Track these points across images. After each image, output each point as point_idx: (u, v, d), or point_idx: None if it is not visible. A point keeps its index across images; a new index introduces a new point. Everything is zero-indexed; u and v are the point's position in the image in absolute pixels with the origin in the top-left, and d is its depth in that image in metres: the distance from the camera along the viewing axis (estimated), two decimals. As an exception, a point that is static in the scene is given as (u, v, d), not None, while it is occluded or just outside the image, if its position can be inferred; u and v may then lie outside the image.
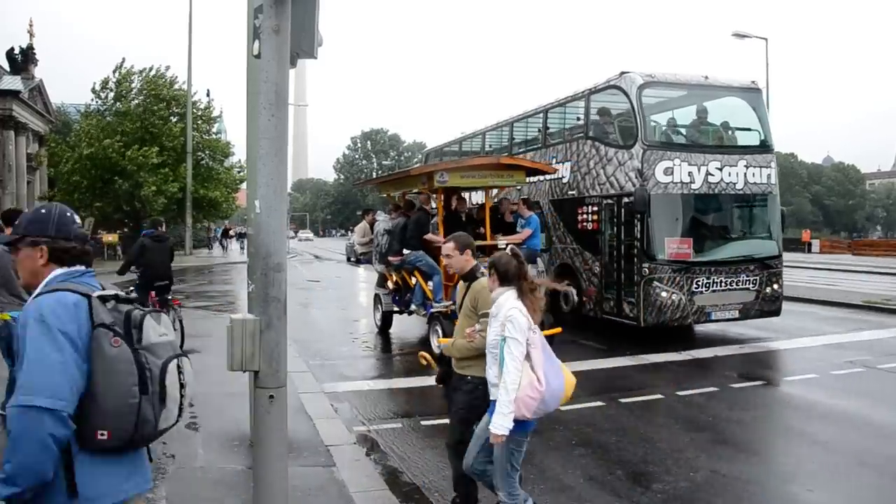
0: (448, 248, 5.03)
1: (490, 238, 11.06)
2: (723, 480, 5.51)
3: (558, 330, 10.15)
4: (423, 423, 7.09)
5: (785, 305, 11.93)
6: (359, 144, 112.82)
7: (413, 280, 11.37)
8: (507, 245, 10.30)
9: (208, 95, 54.81)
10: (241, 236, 46.24)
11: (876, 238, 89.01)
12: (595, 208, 12.51)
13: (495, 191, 12.17)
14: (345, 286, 23.56)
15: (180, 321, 10.11)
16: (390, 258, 11.47)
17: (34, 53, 35.94)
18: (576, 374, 9.04)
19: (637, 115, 11.42)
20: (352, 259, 34.78)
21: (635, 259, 11.30)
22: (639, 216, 11.21)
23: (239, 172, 40.22)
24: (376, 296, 13.05)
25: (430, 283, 10.75)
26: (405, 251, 10.96)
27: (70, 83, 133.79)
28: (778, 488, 5.51)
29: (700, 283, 11.17)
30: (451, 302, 10.03)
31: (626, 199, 11.52)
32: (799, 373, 9.22)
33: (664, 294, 10.99)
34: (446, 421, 7.13)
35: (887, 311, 15.08)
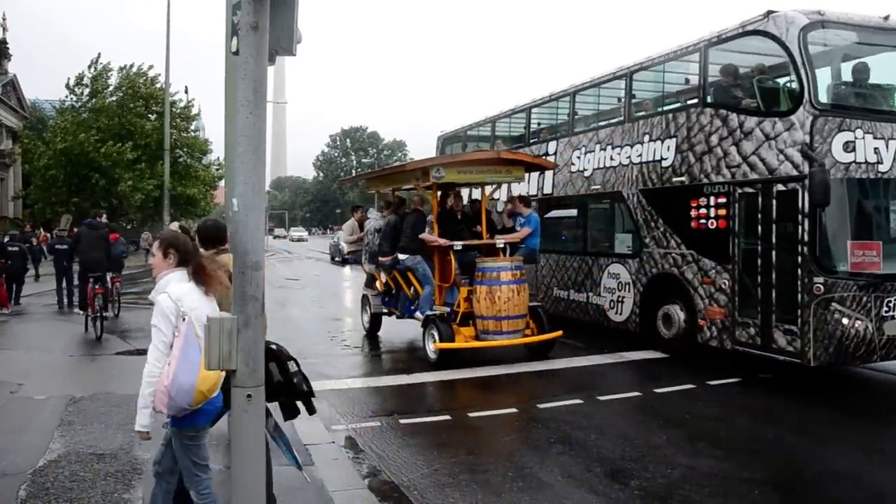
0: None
1: (486, 237, 10.69)
2: (699, 477, 5.56)
3: (558, 333, 10.04)
4: (401, 421, 7.09)
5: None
6: (338, 142, 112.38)
7: (411, 287, 10.67)
8: (504, 244, 10.27)
9: (186, 92, 54.31)
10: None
11: None
12: (720, 200, 9.36)
13: (489, 188, 11.46)
14: (323, 285, 23.48)
15: (118, 295, 13.30)
16: (380, 259, 11.02)
17: (7, 48, 35.51)
18: (554, 371, 9.20)
19: (802, 67, 8.27)
20: (336, 258, 33.64)
21: (799, 270, 8.19)
22: (807, 211, 8.13)
23: (217, 170, 39.93)
24: (364, 297, 12.50)
25: (423, 291, 10.27)
26: (401, 256, 10.36)
27: (45, 79, 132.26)
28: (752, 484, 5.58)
29: (892, 306, 8.11)
30: (447, 309, 9.91)
31: (778, 187, 8.53)
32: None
33: (846, 321, 7.92)
34: (425, 419, 7.20)
35: None
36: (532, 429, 6.96)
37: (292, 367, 4.08)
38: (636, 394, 8.09)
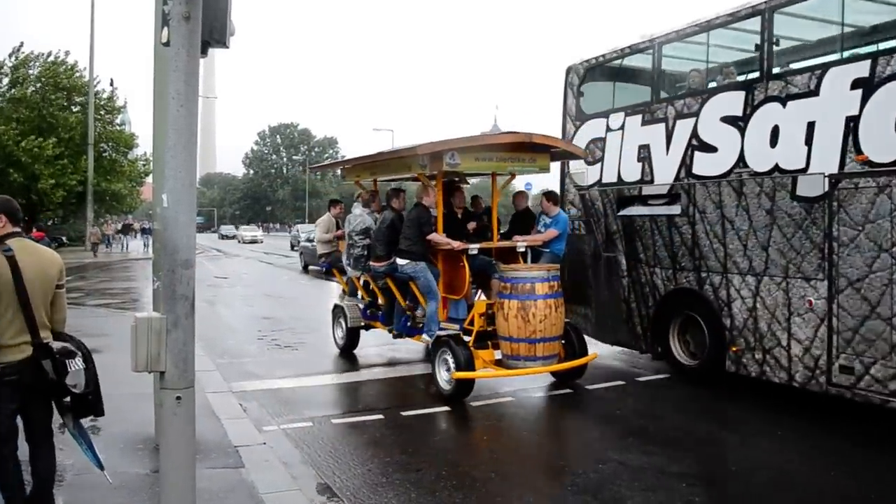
0: None
1: (496, 239, 9.09)
2: (631, 471, 5.66)
3: (593, 356, 8.31)
4: (334, 421, 7.01)
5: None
6: (267, 139, 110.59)
7: (408, 299, 8.88)
8: (526, 248, 8.80)
9: (112, 85, 52.69)
10: (144, 231, 44.84)
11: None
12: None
13: (501, 180, 9.40)
14: (253, 283, 23.08)
15: None
16: (372, 263, 9.00)
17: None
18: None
19: None
20: (316, 266, 21.04)
21: None
22: None
23: (144, 165, 38.84)
24: (337, 308, 10.50)
25: (426, 307, 8.27)
26: (400, 261, 8.29)
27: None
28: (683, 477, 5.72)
29: None
30: (457, 327, 8.18)
31: None
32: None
33: None
34: (357, 418, 7.14)
35: None
36: (466, 427, 6.99)
37: (74, 365, 3.83)
38: (568, 391, 8.19)
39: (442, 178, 8.52)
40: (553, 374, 8.28)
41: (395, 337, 9.34)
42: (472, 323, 8.11)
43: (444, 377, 7.76)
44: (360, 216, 9.52)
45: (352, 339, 10.21)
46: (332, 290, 20.92)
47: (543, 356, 7.61)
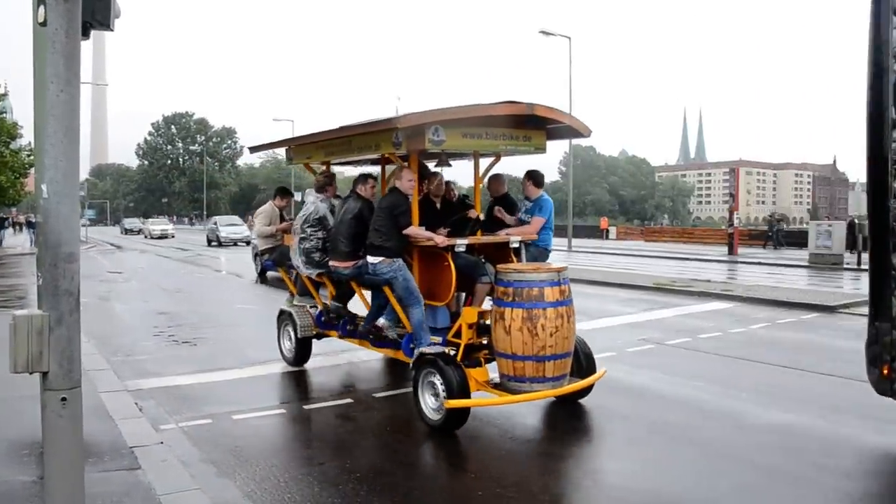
0: None
1: (479, 233, 7.76)
2: (528, 455, 5.76)
3: (602, 373, 7.01)
4: (234, 417, 6.83)
5: (589, 289, 12.64)
6: (162, 129, 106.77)
7: (386, 306, 7.49)
8: (520, 244, 7.30)
9: (-9, 72, 49.66)
10: (30, 225, 42.56)
11: (663, 225, 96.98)
12: None
13: (484, 163, 8.18)
14: (149, 277, 22.27)
15: None
16: (334, 264, 7.50)
17: None
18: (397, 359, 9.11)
19: None
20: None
21: None
22: None
23: (28, 156, 36.79)
24: (284, 314, 8.91)
25: (409, 314, 6.93)
26: (373, 260, 6.90)
27: None
28: (582, 461, 5.85)
29: None
30: (440, 340, 6.94)
31: None
32: (599, 351, 9.82)
33: None
34: (259, 414, 6.98)
35: (673, 292, 16.44)
36: (370, 419, 6.94)
37: None
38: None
39: (417, 159, 7.24)
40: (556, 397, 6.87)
41: (376, 346, 7.81)
42: (457, 335, 6.85)
43: (430, 405, 6.40)
44: (312, 204, 8.03)
45: (303, 350, 8.76)
46: (235, 284, 20.59)
47: (554, 377, 6.22)
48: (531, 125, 7.31)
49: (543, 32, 32.67)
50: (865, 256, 24.56)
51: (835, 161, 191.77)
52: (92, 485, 3.87)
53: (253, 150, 10.04)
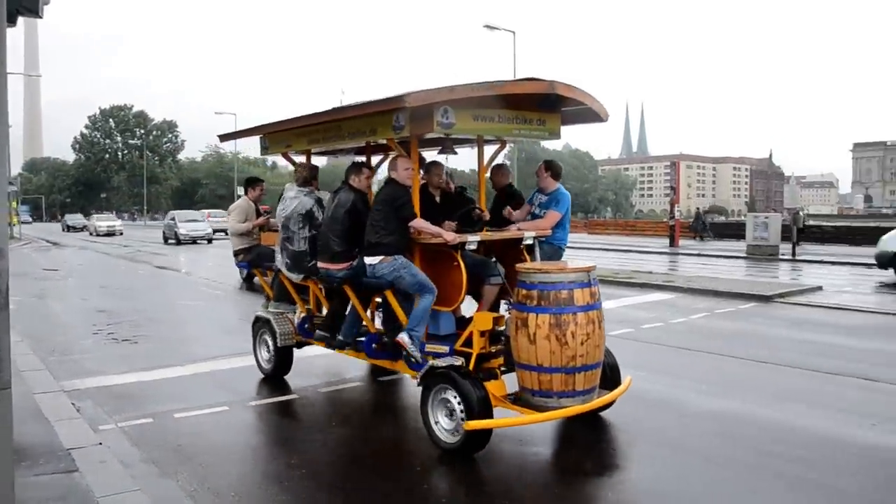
0: None
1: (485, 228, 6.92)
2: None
3: (628, 383, 6.20)
4: (176, 415, 6.70)
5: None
6: (99, 123, 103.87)
7: (380, 309, 7.09)
8: (534, 240, 6.61)
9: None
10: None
11: (607, 218, 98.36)
12: None
13: (489, 151, 7.46)
14: (88, 275, 21.68)
15: None
16: (324, 265, 6.60)
17: None
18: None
19: None
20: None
21: None
22: None
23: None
24: (261, 321, 7.99)
25: (416, 311, 6.04)
26: (371, 260, 6.09)
27: None
28: (515, 448, 5.90)
29: None
30: (447, 349, 6.05)
31: None
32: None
33: None
34: (202, 412, 6.84)
35: (616, 283, 16.69)
36: (316, 414, 6.89)
37: None
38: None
39: (416, 146, 6.49)
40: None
41: (334, 348, 7.12)
42: (467, 343, 5.99)
43: (445, 426, 5.60)
44: (295, 198, 7.15)
45: (283, 361, 7.85)
46: (175, 280, 20.18)
47: (584, 390, 5.49)
48: (546, 107, 6.67)
49: (488, 27, 32.77)
50: (801, 247, 25.42)
51: (771, 155, 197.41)
52: (25, 489, 3.75)
53: (223, 138, 9.13)
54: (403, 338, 5.96)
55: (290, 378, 7.92)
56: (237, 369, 8.59)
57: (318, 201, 7.14)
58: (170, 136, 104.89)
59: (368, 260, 6.12)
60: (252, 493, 4.96)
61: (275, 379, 7.90)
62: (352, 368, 8.21)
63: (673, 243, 30.96)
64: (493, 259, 6.52)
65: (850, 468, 5.31)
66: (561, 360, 5.34)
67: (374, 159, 8.24)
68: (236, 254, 8.58)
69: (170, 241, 38.46)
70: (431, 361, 5.75)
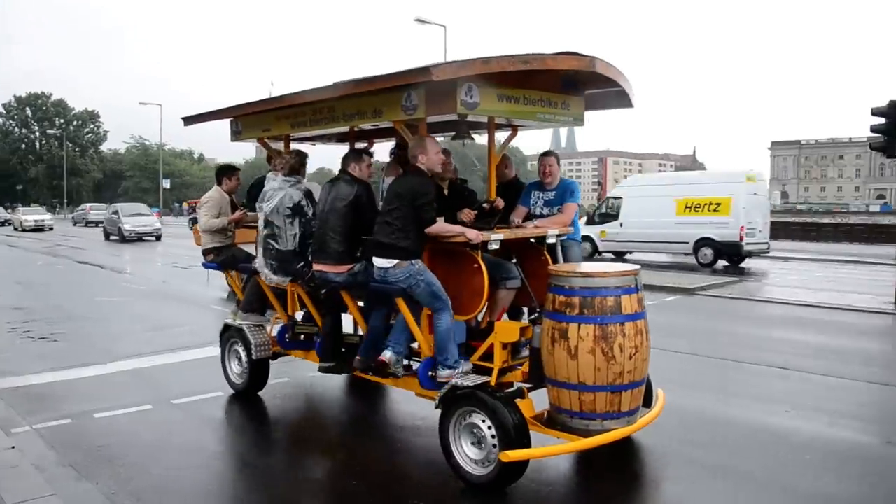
0: None
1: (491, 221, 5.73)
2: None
3: (663, 398, 5.60)
4: (96, 416, 6.51)
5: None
6: (14, 111, 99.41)
7: (381, 319, 5.81)
8: (557, 239, 5.92)
9: None
10: None
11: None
12: None
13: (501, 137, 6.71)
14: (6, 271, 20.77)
15: None
16: (321, 268, 5.70)
17: None
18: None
19: None
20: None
21: None
22: None
23: None
24: (232, 330, 7.15)
25: (435, 325, 5.23)
26: (382, 263, 5.19)
27: None
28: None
29: None
30: (468, 366, 5.32)
31: None
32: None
33: None
34: (123, 411, 6.63)
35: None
36: (247, 411, 6.77)
37: None
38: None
39: (426, 131, 5.59)
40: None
41: (323, 370, 6.15)
42: (484, 356, 5.35)
43: (471, 455, 4.89)
44: (280, 189, 6.27)
45: (257, 375, 7.01)
46: (93, 275, 19.51)
47: (629, 410, 4.84)
48: (570, 90, 6.03)
49: (419, 20, 32.61)
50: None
51: (694, 151, 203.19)
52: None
53: (188, 120, 7.66)
54: (388, 356, 5.39)
55: (218, 375, 7.75)
56: (162, 367, 8.39)
57: (308, 193, 6.33)
58: (92, 126, 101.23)
59: (379, 262, 5.22)
60: (174, 495, 4.84)
61: (247, 395, 7.11)
62: (283, 366, 8.07)
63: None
64: (514, 260, 5.78)
65: (763, 453, 5.52)
66: (607, 378, 4.66)
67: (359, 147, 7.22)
68: (206, 253, 7.47)
69: (112, 237, 34.74)
70: (453, 380, 5.00)
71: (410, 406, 6.56)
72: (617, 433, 4.75)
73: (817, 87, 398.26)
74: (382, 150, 7.82)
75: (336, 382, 7.56)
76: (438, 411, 5.05)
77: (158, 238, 33.85)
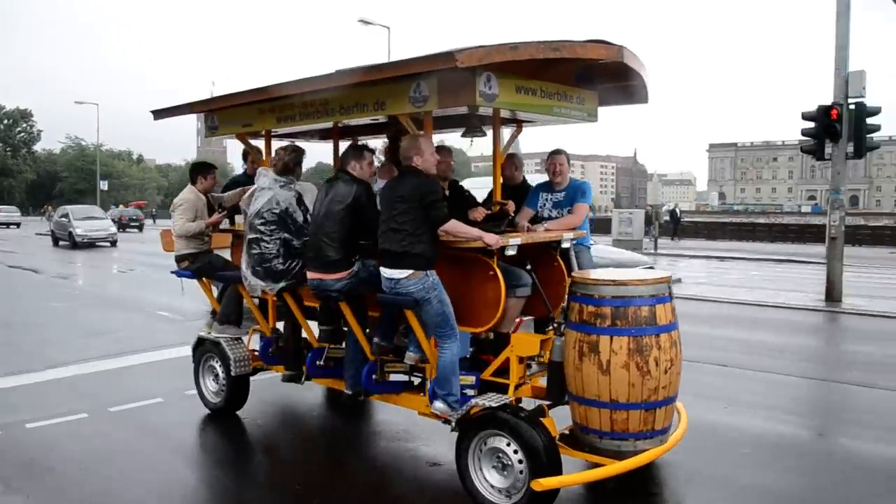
0: None
1: (505, 225, 5.33)
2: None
3: (686, 419, 5.14)
4: (28, 426, 6.30)
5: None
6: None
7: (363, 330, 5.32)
8: (571, 243, 5.54)
9: None
10: None
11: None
12: None
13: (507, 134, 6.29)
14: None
15: None
16: (315, 275, 5.11)
17: None
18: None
19: None
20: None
21: None
22: None
23: None
24: (206, 344, 6.57)
25: (439, 351, 4.73)
26: (393, 274, 4.68)
27: None
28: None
29: None
30: (472, 380, 4.89)
31: None
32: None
33: None
34: (57, 421, 6.36)
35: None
36: (184, 417, 6.60)
37: None
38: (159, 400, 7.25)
39: (430, 126, 5.09)
40: None
41: (354, 395, 5.40)
42: (499, 373, 4.94)
43: (496, 483, 4.45)
44: (268, 190, 5.60)
45: (237, 392, 6.41)
46: (36, 279, 18.86)
47: (662, 429, 4.51)
48: (584, 83, 5.60)
49: (363, 21, 32.46)
50: (661, 241, 26.73)
51: (635, 154, 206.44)
52: None
53: (158, 114, 6.83)
54: (438, 406, 4.71)
55: (157, 380, 7.58)
56: (99, 374, 8.17)
57: (299, 199, 5.64)
58: (24, 125, 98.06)
59: (391, 273, 4.71)
60: (110, 505, 4.72)
61: (224, 414, 6.49)
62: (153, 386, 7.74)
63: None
64: (528, 266, 5.14)
65: (702, 448, 5.63)
66: (641, 394, 4.32)
67: (342, 144, 6.79)
68: (179, 260, 6.68)
69: (62, 242, 32.13)
70: (473, 400, 4.58)
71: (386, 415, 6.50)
72: (651, 454, 4.41)
73: (753, 91, 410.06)
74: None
75: (287, 387, 7.45)
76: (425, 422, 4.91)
77: (114, 244, 31.59)
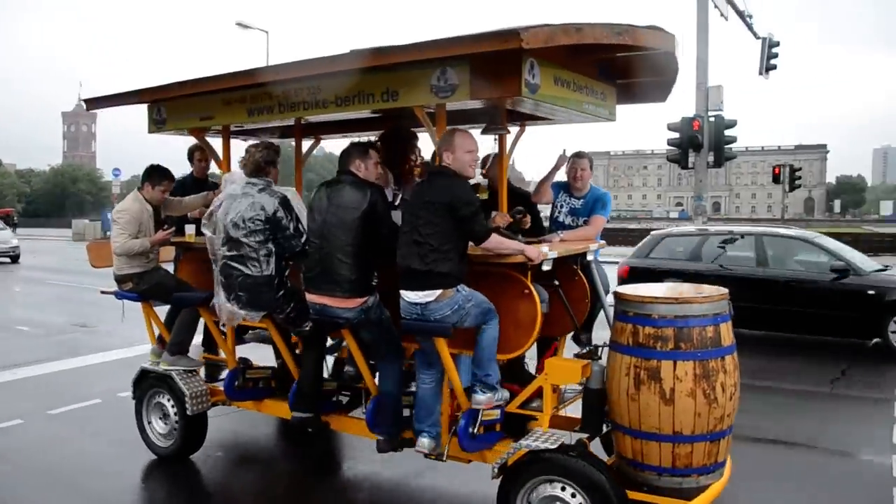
0: None
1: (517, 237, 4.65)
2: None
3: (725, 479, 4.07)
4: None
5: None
6: None
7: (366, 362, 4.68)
8: (595, 256, 4.97)
9: None
10: None
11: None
12: None
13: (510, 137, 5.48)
14: None
15: None
16: (321, 300, 4.34)
17: None
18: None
19: None
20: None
21: None
22: None
23: None
24: (153, 378, 5.60)
25: (482, 347, 4.14)
26: (418, 297, 3.99)
27: None
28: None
29: None
30: (496, 411, 4.24)
31: None
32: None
33: None
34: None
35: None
36: (116, 419, 6.32)
37: None
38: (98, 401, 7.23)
39: (444, 121, 4.31)
40: None
41: (298, 422, 4.80)
42: (529, 403, 4.42)
43: None
44: (245, 196, 4.73)
45: (193, 433, 5.49)
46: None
47: (722, 462, 3.98)
48: (604, 78, 5.00)
49: (240, 25, 31.46)
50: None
51: (513, 161, 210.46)
52: None
53: (91, 103, 5.92)
54: (481, 398, 4.08)
55: (99, 380, 7.36)
56: (42, 377, 8.04)
57: (284, 202, 4.73)
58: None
59: (413, 297, 3.99)
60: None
61: (177, 459, 5.56)
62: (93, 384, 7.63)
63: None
64: (556, 282, 4.52)
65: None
66: (707, 424, 3.78)
67: (305, 143, 6.14)
68: (121, 281, 5.64)
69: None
70: (522, 441, 3.90)
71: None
72: (714, 490, 3.88)
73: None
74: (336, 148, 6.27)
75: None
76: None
77: (15, 259, 25.79)
